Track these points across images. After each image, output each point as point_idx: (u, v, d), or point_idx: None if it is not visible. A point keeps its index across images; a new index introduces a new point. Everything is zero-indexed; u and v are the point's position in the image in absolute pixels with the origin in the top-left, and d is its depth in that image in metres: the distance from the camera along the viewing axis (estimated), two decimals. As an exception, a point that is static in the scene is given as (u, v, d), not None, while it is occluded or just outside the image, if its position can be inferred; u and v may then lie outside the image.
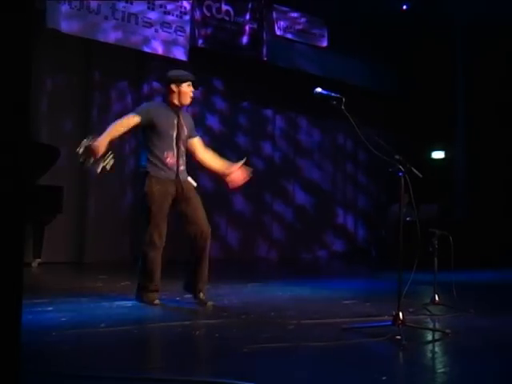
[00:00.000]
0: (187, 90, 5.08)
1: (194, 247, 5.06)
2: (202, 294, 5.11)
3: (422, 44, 12.93)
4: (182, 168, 5.09)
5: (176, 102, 5.09)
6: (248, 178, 5.23)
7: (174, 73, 5.21)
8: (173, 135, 5.02)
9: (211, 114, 11.16)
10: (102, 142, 4.77)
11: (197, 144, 5.28)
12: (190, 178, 5.16)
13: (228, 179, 5.23)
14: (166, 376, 2.88)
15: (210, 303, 5.09)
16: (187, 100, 5.12)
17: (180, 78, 5.09)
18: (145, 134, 5.07)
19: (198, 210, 5.08)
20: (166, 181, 5.00)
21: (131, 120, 5.02)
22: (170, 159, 5.01)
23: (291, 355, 3.45)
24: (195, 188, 5.18)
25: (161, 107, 5.18)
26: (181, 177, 5.06)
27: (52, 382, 2.82)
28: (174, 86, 5.06)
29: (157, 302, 5.07)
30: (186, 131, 5.12)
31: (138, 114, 5.05)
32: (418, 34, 12.71)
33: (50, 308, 4.81)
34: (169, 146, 5.01)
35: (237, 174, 5.21)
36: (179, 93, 5.06)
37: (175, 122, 5.06)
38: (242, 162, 5.23)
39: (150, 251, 5.00)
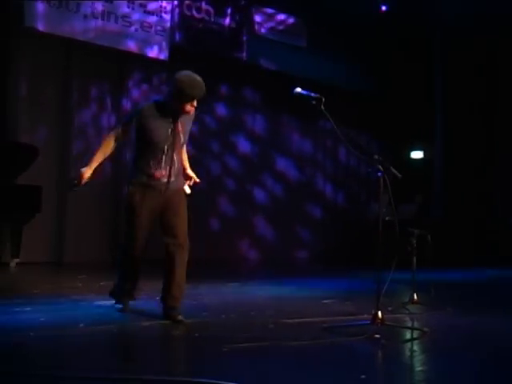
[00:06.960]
0: (190, 109, 4.41)
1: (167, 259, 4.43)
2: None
3: (401, 44, 13.02)
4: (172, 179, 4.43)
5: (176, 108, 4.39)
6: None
7: (186, 85, 4.35)
8: (164, 147, 4.34)
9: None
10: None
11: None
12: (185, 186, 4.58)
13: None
14: (146, 376, 2.88)
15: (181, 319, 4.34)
16: (188, 113, 4.44)
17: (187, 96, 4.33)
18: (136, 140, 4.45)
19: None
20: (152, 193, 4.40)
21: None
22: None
23: (271, 354, 3.46)
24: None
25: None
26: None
27: (29, 383, 2.81)
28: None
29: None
30: (181, 139, 4.43)
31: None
32: (396, 35, 12.80)
33: (28, 308, 4.77)
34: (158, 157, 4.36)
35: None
36: (183, 108, 4.37)
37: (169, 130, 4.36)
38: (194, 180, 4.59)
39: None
